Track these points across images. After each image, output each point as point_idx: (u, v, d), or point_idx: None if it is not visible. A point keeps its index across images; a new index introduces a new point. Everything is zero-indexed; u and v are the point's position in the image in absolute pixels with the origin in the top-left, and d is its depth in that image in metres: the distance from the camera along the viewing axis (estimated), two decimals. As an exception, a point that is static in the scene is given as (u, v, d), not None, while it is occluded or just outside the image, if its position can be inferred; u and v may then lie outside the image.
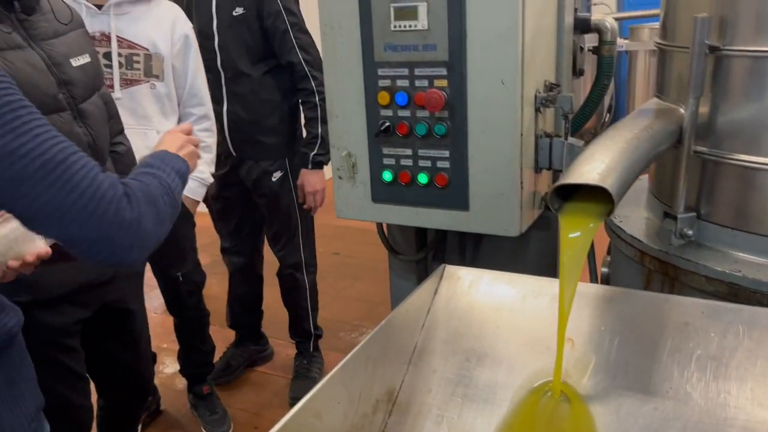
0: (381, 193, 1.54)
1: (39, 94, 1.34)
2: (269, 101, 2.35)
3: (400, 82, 1.43)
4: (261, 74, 2.30)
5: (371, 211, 1.58)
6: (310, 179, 2.37)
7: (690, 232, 1.23)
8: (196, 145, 1.24)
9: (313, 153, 2.34)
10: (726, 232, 1.21)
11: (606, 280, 1.55)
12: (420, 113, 1.43)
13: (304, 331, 2.74)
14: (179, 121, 2.18)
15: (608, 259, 1.57)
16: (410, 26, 1.37)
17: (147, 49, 2.01)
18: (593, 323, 1.08)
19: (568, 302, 1.01)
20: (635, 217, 1.42)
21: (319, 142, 2.33)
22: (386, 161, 1.51)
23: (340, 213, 1.62)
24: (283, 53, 2.27)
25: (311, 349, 2.78)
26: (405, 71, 1.42)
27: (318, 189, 2.40)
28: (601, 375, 1.03)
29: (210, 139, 2.22)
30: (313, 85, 2.31)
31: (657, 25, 4.56)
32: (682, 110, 1.22)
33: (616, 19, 5.54)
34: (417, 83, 1.41)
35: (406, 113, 1.45)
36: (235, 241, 2.65)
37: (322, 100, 2.30)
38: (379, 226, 1.76)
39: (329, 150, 2.37)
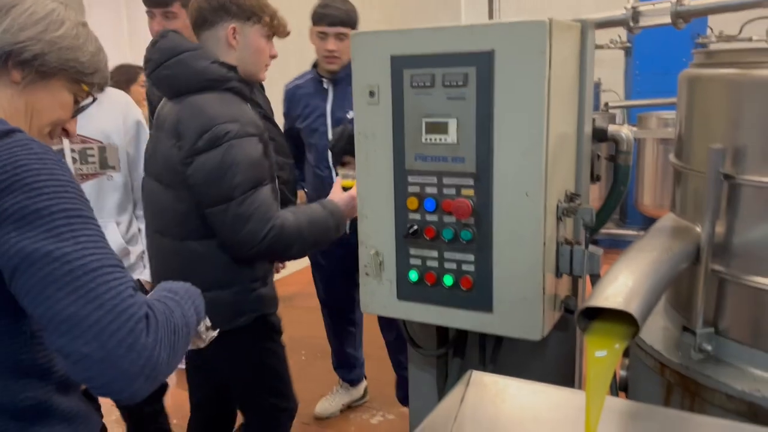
0: (406, 291, 1.60)
1: None
2: None
3: (428, 189, 1.51)
4: None
5: (396, 307, 1.63)
6: None
7: (708, 347, 1.27)
8: None
9: None
10: (744, 350, 1.25)
11: (624, 384, 1.58)
12: (447, 219, 1.51)
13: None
14: (135, 207, 2.17)
15: (626, 362, 1.61)
16: (440, 140, 1.47)
17: (100, 141, 2.01)
18: (618, 439, 1.12)
19: (594, 418, 1.04)
20: (653, 326, 1.47)
21: None
22: (413, 261, 1.57)
23: (365, 308, 1.68)
24: None
25: None
26: (434, 179, 1.50)
27: None
28: (626, 494, 1.05)
29: None
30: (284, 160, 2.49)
31: (665, 114, 4.71)
32: (698, 229, 1.29)
33: (625, 107, 5.73)
34: (445, 191, 1.50)
35: (433, 218, 1.52)
36: None
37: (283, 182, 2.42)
38: (401, 320, 1.81)
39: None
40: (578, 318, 1.08)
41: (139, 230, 2.18)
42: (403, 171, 1.53)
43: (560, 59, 1.42)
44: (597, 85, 6.22)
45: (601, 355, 1.06)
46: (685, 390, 1.27)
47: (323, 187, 2.69)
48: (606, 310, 1.07)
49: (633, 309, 1.03)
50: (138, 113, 2.15)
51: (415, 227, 1.54)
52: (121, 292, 0.85)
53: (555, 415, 1.19)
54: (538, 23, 1.34)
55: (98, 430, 1.06)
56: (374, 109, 1.54)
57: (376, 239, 1.61)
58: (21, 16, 0.97)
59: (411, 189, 1.53)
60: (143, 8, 2.34)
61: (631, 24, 1.60)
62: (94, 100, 1.11)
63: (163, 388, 2.32)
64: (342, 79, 2.64)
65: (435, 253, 1.54)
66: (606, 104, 5.70)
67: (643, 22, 1.59)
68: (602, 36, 5.99)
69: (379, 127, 1.54)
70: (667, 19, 1.53)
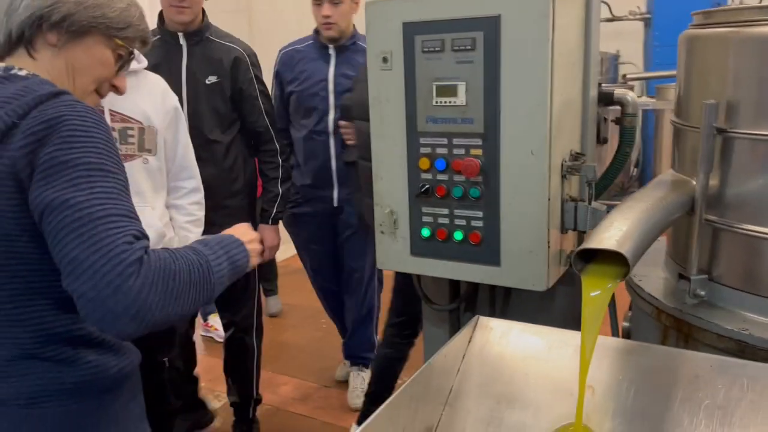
0: (419, 247, 1.70)
1: None
2: (234, 166, 2.43)
3: (439, 150, 1.60)
4: (229, 140, 2.40)
5: (410, 263, 1.73)
6: (269, 235, 2.53)
7: (702, 293, 1.35)
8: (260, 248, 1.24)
9: (274, 210, 2.52)
10: (735, 294, 1.33)
11: (627, 334, 1.67)
12: (457, 178, 1.59)
13: (247, 396, 2.72)
14: (168, 194, 2.11)
15: (629, 314, 1.69)
16: (450, 102, 1.55)
17: (141, 123, 1.93)
18: (613, 373, 1.21)
19: (589, 352, 1.14)
20: (653, 276, 1.55)
21: (278, 200, 2.52)
22: (425, 219, 1.67)
23: (381, 264, 1.78)
24: (251, 118, 2.43)
25: (250, 415, 2.75)
26: (444, 141, 1.59)
27: (275, 244, 2.58)
28: (618, 420, 1.14)
29: (200, 213, 2.19)
30: (278, 146, 2.50)
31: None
32: (694, 182, 1.36)
33: (644, 79, 5.71)
34: (455, 151, 1.58)
35: (444, 177, 1.61)
36: None
37: (285, 160, 2.52)
38: (416, 277, 1.91)
39: (285, 207, 2.58)
40: (574, 260, 1.16)
41: (171, 219, 2.12)
42: (416, 133, 1.62)
43: (564, 24, 1.49)
44: (615, 57, 6.17)
45: (595, 294, 1.15)
46: (679, 332, 1.36)
47: (316, 154, 2.73)
48: (601, 252, 1.16)
49: (625, 250, 1.11)
50: (175, 99, 2.07)
51: (427, 186, 1.63)
52: (117, 239, 0.92)
53: (556, 353, 1.28)
54: (541, -12, 1.41)
55: (138, 361, 1.18)
56: (387, 74, 1.62)
57: (390, 198, 1.70)
58: None
59: (423, 150, 1.62)
60: None
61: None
62: (131, 54, 1.16)
63: (171, 339, 2.29)
64: (347, 47, 2.67)
65: (446, 211, 1.63)
66: (624, 76, 5.68)
67: (647, -14, 1.64)
68: (621, 7, 5.94)
69: (392, 91, 1.62)
70: (670, -17, 1.58)
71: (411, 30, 1.56)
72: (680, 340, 1.36)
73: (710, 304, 1.36)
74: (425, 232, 1.67)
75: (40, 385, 1.03)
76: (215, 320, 3.87)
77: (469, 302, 1.87)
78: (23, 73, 1.04)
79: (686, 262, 1.40)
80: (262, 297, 3.14)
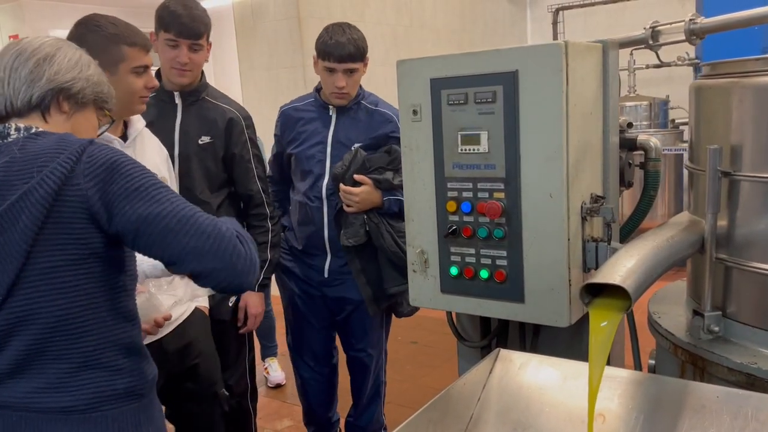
0: (448, 285, 1.81)
1: None
2: None
3: (465, 194, 1.72)
4: (219, 202, 2.33)
5: (440, 300, 1.84)
6: (254, 301, 2.39)
7: (716, 329, 1.41)
8: None
9: (260, 276, 2.34)
10: (748, 330, 1.38)
11: (653, 371, 1.71)
12: (481, 219, 1.71)
13: None
14: None
15: (654, 352, 1.73)
16: (474, 149, 1.68)
17: (156, 175, 2.04)
18: (623, 402, 1.27)
19: (596, 380, 1.21)
20: (673, 314, 1.60)
21: (266, 266, 2.37)
22: (453, 258, 1.78)
23: (414, 301, 1.89)
24: (243, 181, 2.36)
25: None
26: (469, 185, 1.71)
27: (260, 311, 2.42)
28: (626, 446, 1.21)
29: None
30: (268, 211, 2.40)
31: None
32: (704, 222, 1.43)
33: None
34: (479, 195, 1.70)
35: (469, 219, 1.73)
36: None
37: (275, 224, 2.41)
38: (449, 314, 2.01)
39: (272, 273, 2.47)
40: (581, 294, 1.25)
41: None
42: (443, 178, 1.75)
43: (578, 77, 1.61)
44: (665, 102, 6.20)
45: (603, 325, 1.23)
46: (695, 366, 1.41)
47: (309, 220, 2.51)
48: (607, 287, 1.24)
49: (627, 285, 1.20)
50: (165, 149, 2.15)
51: (454, 227, 1.74)
52: (216, 224, 1.20)
53: (570, 383, 1.36)
54: (554, 46, 1.54)
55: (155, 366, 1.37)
56: (417, 126, 1.77)
57: (421, 239, 1.83)
58: (63, 61, 1.28)
59: (450, 194, 1.75)
60: None
61: (651, 42, 1.76)
62: (113, 122, 1.41)
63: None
64: (349, 108, 2.48)
65: (472, 250, 1.74)
66: (673, 120, 5.70)
67: (662, 39, 1.75)
68: (670, 53, 5.98)
69: (422, 140, 1.77)
70: (682, 37, 1.69)
71: (438, 85, 1.71)
72: (696, 374, 1.41)
73: (725, 339, 1.41)
74: (454, 271, 1.78)
75: (98, 392, 1.21)
76: (271, 363, 4.00)
77: (501, 339, 1.95)
78: (42, 130, 1.25)
79: (700, 299, 1.46)
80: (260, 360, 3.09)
